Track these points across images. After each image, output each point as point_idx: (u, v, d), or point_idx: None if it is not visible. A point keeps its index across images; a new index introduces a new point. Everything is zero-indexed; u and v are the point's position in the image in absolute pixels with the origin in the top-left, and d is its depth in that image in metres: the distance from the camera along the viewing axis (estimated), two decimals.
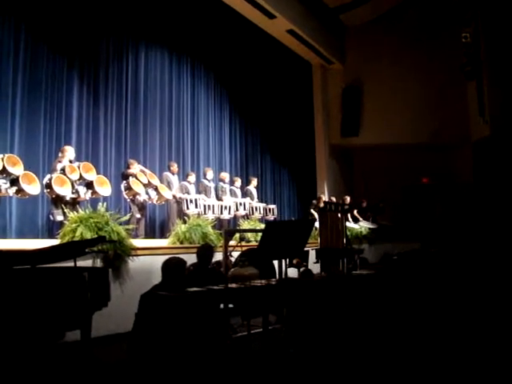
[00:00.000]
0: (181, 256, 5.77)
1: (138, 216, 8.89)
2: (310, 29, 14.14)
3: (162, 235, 9.76)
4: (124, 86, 10.46)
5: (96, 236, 6.09)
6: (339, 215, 6.82)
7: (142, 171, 9.35)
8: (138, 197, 8.91)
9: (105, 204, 6.85)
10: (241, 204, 10.79)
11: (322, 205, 12.73)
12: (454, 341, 5.20)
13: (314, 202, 12.83)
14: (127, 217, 7.27)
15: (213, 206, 9.93)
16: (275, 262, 5.73)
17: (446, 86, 15.93)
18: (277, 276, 5.20)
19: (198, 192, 10.46)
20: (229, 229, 7.68)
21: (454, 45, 15.48)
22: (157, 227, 10.61)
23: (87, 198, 7.90)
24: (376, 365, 4.47)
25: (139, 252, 6.77)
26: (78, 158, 8.72)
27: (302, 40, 14.14)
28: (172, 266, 4.39)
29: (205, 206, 9.72)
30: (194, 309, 3.54)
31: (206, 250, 5.41)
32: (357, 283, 5.34)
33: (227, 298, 3.63)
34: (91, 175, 7.95)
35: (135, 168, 9.24)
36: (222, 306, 4.73)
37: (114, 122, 10.18)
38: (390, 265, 6.90)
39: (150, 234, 9.96)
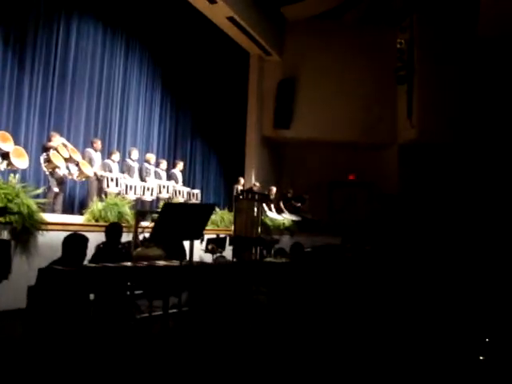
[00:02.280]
0: (94, 234, 5.72)
1: (56, 190, 8.62)
2: (251, 18, 14.14)
3: (81, 212, 9.57)
4: (53, 55, 10.06)
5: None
6: (255, 204, 6.91)
7: (64, 145, 9.10)
8: (57, 170, 8.65)
9: (17, 176, 6.67)
10: (164, 187, 10.72)
11: (240, 187, 12.88)
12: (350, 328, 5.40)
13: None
14: (40, 190, 7.09)
15: (135, 186, 9.81)
16: (186, 245, 5.80)
17: (380, 87, 16.43)
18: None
19: (122, 171, 10.33)
20: (140, 209, 7.62)
21: (389, 48, 15.96)
22: (76, 204, 10.37)
23: (2, 169, 7.62)
24: (276, 349, 4.58)
25: (50, 227, 6.64)
26: None
27: (242, 28, 14.11)
28: (73, 242, 4.34)
29: (126, 185, 9.60)
30: (90, 285, 3.52)
31: (113, 229, 5.39)
32: (264, 270, 5.44)
33: (122, 275, 3.63)
34: (8, 146, 7.66)
35: (57, 140, 8.98)
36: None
37: (40, 92, 9.79)
38: (301, 255, 7.06)
39: (68, 210, 9.74)
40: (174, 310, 5.14)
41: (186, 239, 3.88)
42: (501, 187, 14.89)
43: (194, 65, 14.14)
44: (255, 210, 6.84)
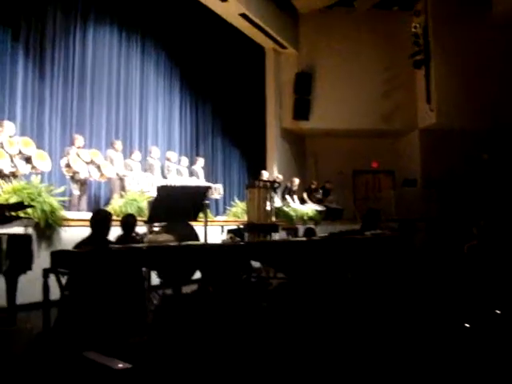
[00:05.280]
0: (114, 229, 6.03)
1: (77, 193, 8.98)
2: (263, 13, 14.32)
3: None
4: (71, 60, 10.49)
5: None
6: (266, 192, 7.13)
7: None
8: (77, 175, 9.03)
9: (38, 177, 7.06)
10: (186, 183, 11.03)
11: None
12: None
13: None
14: (62, 189, 7.45)
15: (157, 184, 10.13)
16: (200, 232, 6.08)
17: (397, 72, 16.48)
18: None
19: (144, 170, 10.69)
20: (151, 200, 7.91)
21: (405, 33, 15.96)
22: (102, 202, 10.76)
23: (26, 173, 8.01)
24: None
25: (72, 223, 7.01)
26: (23, 133, 8.86)
27: (255, 24, 14.30)
28: (97, 217, 4.68)
29: (148, 183, 9.95)
30: (99, 266, 3.79)
31: (127, 220, 5.70)
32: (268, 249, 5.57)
33: (130, 255, 3.88)
34: (30, 150, 8.06)
35: (80, 143, 9.30)
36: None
37: (60, 96, 10.22)
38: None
39: (95, 208, 10.13)
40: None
41: (182, 220, 4.13)
42: None
43: (211, 62, 14.40)
44: (266, 198, 7.06)
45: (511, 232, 10.11)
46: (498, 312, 5.69)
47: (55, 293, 4.14)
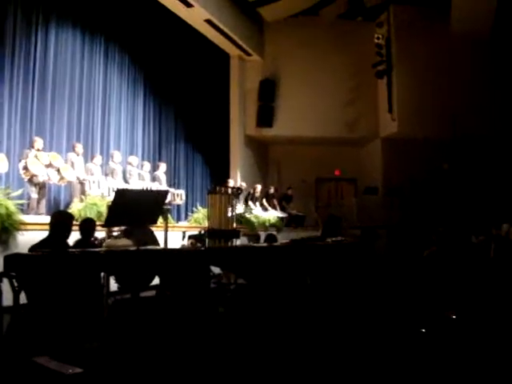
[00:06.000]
0: (73, 233, 5.95)
1: (35, 196, 8.75)
2: (228, 20, 14.35)
3: None
4: (32, 62, 10.29)
5: None
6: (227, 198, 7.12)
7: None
8: (35, 178, 8.83)
9: None
10: (148, 188, 10.94)
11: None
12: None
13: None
14: (19, 192, 7.32)
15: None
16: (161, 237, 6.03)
17: (360, 82, 16.73)
18: None
19: (105, 174, 10.57)
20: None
21: (368, 43, 16.20)
22: (62, 206, 10.56)
23: None
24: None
25: (29, 227, 6.88)
26: None
27: (220, 31, 14.29)
28: (58, 218, 4.59)
29: (109, 188, 9.83)
30: (54, 270, 3.73)
31: (86, 224, 5.63)
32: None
33: (86, 259, 3.83)
34: None
35: (39, 145, 9.12)
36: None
37: (20, 98, 10.00)
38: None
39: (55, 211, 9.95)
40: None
41: (141, 225, 4.11)
42: (489, 181, 15.11)
43: (175, 67, 14.37)
44: (228, 204, 7.05)
45: (468, 238, 10.38)
46: (454, 317, 5.82)
47: (9, 298, 4.07)
